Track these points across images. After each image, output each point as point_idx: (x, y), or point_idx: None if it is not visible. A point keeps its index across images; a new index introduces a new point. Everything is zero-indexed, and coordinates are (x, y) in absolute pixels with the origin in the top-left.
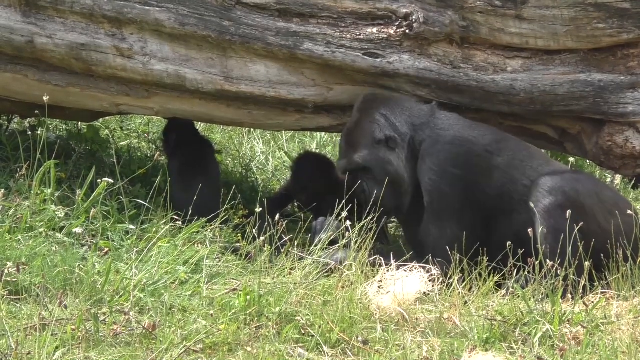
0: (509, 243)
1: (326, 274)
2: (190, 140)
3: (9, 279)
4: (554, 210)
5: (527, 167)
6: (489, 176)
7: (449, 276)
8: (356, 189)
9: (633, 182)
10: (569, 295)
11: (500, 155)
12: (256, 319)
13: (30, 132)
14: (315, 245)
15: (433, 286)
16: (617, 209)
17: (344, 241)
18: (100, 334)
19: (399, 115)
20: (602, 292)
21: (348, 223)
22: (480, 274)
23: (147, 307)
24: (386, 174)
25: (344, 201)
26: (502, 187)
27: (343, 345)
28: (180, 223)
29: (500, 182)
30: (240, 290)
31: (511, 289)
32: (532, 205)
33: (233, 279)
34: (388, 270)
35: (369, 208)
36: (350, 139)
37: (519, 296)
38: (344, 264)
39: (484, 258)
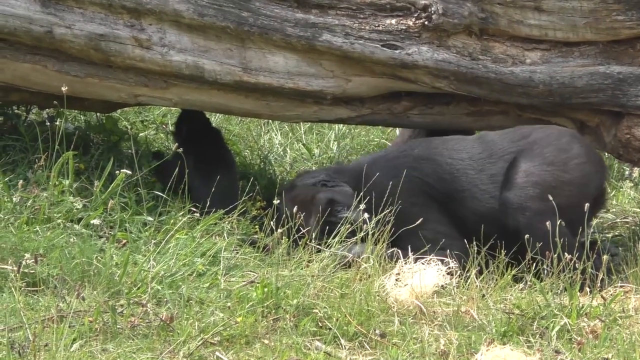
0: (526, 236)
1: (344, 267)
2: (201, 130)
3: (27, 270)
4: (539, 218)
5: (444, 149)
6: (419, 168)
7: (466, 269)
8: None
9: None
10: (587, 289)
11: (416, 148)
12: (273, 311)
13: (48, 123)
14: (334, 238)
15: (450, 279)
16: (566, 155)
17: (362, 234)
18: (118, 326)
19: (321, 172)
20: (620, 286)
21: (366, 216)
22: (497, 267)
23: (165, 299)
24: (351, 196)
25: (361, 194)
26: (435, 173)
27: (360, 338)
28: (197, 215)
29: (431, 170)
30: (258, 283)
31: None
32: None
33: (250, 271)
34: (405, 263)
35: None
36: (302, 204)
37: (536, 289)
38: (361, 257)
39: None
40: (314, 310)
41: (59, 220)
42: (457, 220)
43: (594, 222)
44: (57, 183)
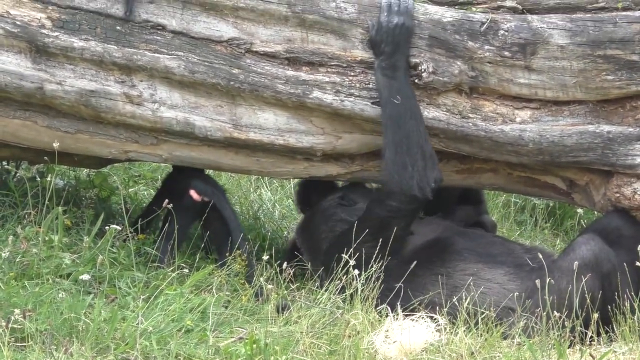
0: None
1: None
2: None
3: (15, 325)
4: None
5: None
6: None
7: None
8: None
9: None
10: (577, 347)
11: None
12: None
13: (38, 179)
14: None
15: (440, 336)
16: None
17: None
18: None
19: None
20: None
21: (356, 272)
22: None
23: (153, 355)
24: None
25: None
26: None
27: None
28: (187, 270)
29: None
30: (247, 339)
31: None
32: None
33: (239, 327)
34: (395, 320)
35: None
36: None
37: (525, 346)
38: None
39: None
40: None
41: (48, 276)
42: None
43: None
44: (46, 238)
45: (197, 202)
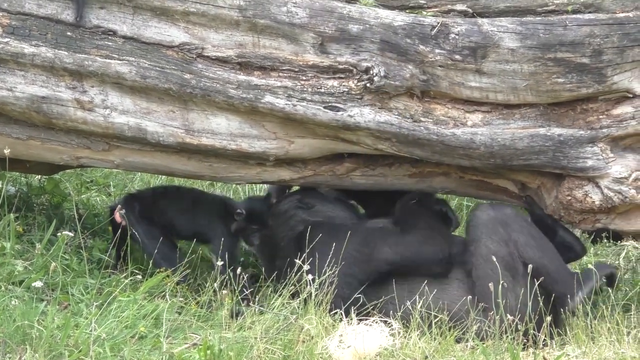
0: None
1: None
2: None
3: None
4: None
5: None
6: None
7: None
8: None
9: (592, 236)
10: (530, 350)
11: None
12: None
13: None
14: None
15: (394, 340)
16: None
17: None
18: None
19: None
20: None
21: (310, 277)
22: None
23: None
24: None
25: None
26: None
27: None
28: (140, 277)
29: None
30: (201, 345)
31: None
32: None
33: (193, 333)
34: (349, 324)
35: None
36: None
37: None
38: None
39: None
40: None
41: (0, 283)
42: None
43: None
44: None
45: (119, 223)
